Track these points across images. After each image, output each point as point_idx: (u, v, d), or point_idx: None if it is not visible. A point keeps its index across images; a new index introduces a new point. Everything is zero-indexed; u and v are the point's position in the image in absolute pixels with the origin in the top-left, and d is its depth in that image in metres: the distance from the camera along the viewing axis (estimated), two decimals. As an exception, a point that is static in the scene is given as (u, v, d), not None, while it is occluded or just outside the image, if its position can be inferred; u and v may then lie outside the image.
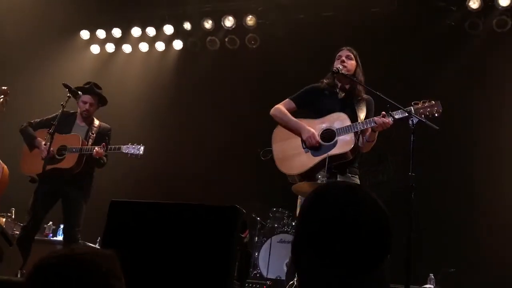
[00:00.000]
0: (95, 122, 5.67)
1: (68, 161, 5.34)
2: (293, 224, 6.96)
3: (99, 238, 5.73)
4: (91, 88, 5.67)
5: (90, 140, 5.48)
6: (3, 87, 5.93)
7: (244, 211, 2.77)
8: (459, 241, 6.89)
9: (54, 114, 5.47)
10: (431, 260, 6.56)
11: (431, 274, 6.17)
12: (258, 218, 7.21)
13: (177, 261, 2.71)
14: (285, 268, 6.45)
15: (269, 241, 6.83)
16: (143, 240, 2.79)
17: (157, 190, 8.12)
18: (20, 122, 6.89)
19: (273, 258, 6.67)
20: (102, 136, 5.57)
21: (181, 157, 8.71)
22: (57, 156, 5.37)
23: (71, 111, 5.69)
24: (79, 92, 5.37)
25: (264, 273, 6.67)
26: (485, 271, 6.50)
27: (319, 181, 3.97)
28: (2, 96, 5.88)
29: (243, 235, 2.76)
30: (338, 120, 4.29)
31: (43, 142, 5.27)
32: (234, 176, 8.27)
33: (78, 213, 5.32)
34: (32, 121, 5.61)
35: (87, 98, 5.59)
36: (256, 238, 7.10)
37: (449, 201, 7.15)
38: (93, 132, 5.56)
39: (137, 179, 8.14)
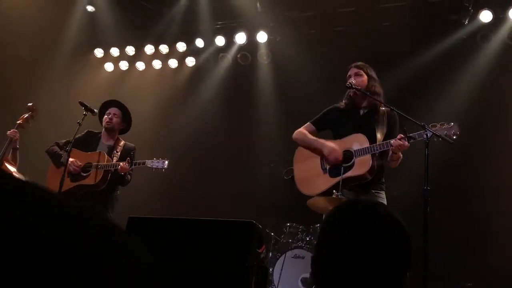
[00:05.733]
0: (120, 141, 5.67)
1: (93, 178, 5.35)
2: (308, 239, 6.93)
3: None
4: (117, 101, 5.75)
5: (114, 158, 5.47)
6: (29, 104, 6.02)
7: (260, 226, 2.79)
8: (476, 255, 6.82)
9: (79, 134, 5.53)
10: (448, 274, 6.50)
11: (447, 289, 6.12)
12: (272, 234, 7.18)
13: (194, 277, 2.73)
14: (300, 284, 6.42)
15: (283, 256, 6.79)
16: (161, 256, 2.81)
17: (172, 206, 8.15)
18: (36, 140, 6.98)
19: (288, 273, 6.62)
20: (127, 155, 5.53)
21: (195, 173, 8.75)
22: (82, 174, 5.41)
23: (96, 131, 5.74)
24: (95, 110, 5.42)
25: (279, 289, 6.63)
26: (503, 286, 6.42)
27: (333, 196, 3.98)
28: (29, 112, 5.98)
29: (259, 250, 2.77)
30: (357, 141, 4.33)
31: (70, 158, 5.29)
32: (248, 191, 8.29)
33: None
34: (58, 142, 5.63)
35: (112, 109, 5.65)
36: (271, 254, 7.07)
37: (466, 214, 7.10)
38: (117, 150, 5.57)
39: (151, 195, 8.16)
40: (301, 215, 6.59)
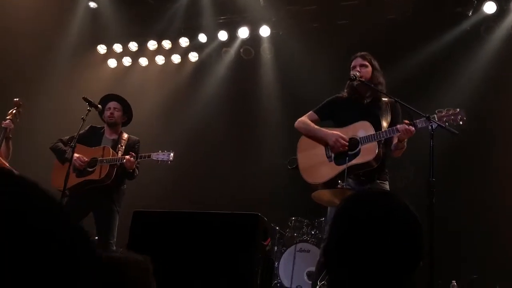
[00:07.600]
0: (123, 135, 5.68)
1: (98, 173, 5.35)
2: (313, 233, 6.93)
3: (120, 249, 5.73)
4: (115, 95, 5.76)
5: (119, 152, 5.47)
6: (15, 99, 6.02)
7: (266, 219, 2.78)
8: (481, 247, 6.81)
9: (83, 130, 5.53)
10: (454, 266, 6.49)
11: (453, 281, 6.11)
12: (277, 228, 7.19)
13: (200, 269, 2.73)
14: (305, 277, 6.42)
15: (288, 250, 6.79)
16: (166, 249, 2.81)
17: (176, 199, 8.15)
18: (38, 136, 6.99)
19: (293, 267, 6.63)
20: (131, 148, 5.55)
21: (199, 166, 8.75)
22: (88, 169, 5.41)
23: (99, 126, 5.75)
24: (99, 106, 5.41)
25: (285, 283, 6.63)
26: (509, 278, 6.41)
27: (339, 186, 3.97)
28: (15, 108, 5.96)
29: (265, 243, 2.77)
30: (362, 129, 4.30)
31: (76, 154, 5.30)
32: (252, 184, 8.28)
33: (111, 225, 5.30)
34: (62, 138, 5.63)
35: (111, 103, 5.66)
36: (276, 248, 7.07)
37: (471, 206, 7.08)
38: (122, 144, 5.57)
39: (156, 189, 8.17)
40: (306, 209, 6.59)
